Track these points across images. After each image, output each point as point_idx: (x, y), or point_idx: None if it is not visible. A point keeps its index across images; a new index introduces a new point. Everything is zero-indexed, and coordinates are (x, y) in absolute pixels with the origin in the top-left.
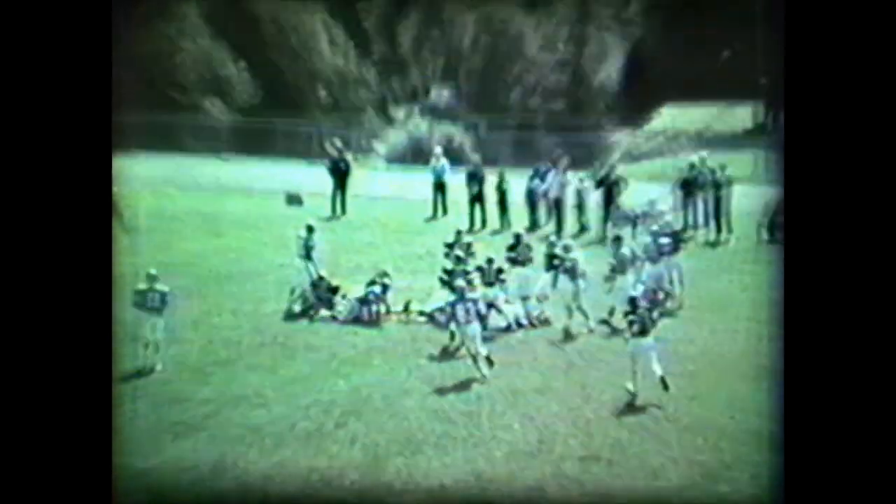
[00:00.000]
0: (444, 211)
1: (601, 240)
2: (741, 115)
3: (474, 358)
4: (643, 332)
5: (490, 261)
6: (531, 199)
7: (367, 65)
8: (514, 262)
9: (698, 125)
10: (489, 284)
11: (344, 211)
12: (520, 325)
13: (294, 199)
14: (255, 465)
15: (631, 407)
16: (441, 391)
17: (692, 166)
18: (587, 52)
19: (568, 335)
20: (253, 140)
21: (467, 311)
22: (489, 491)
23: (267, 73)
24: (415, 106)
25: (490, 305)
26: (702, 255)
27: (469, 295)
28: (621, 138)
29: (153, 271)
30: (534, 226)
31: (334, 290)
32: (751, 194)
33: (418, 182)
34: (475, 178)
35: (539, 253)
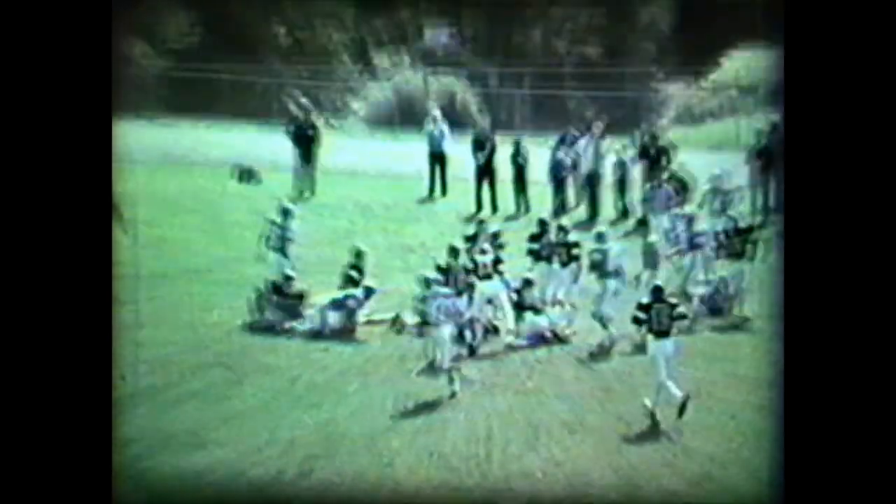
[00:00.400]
0: (444, 190)
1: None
2: None
3: (444, 372)
4: (666, 331)
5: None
6: (557, 174)
7: None
8: (538, 256)
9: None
10: (485, 277)
11: (312, 191)
12: (543, 339)
13: (247, 175)
14: None
15: (653, 427)
16: (438, 427)
17: (774, 128)
18: None
19: (602, 351)
20: (190, 95)
21: (438, 309)
22: None
23: (209, 4)
24: (404, 51)
25: (476, 301)
26: None
27: (443, 290)
28: (675, 93)
29: None
30: (560, 209)
31: (300, 297)
32: None
33: (409, 153)
34: (484, 148)
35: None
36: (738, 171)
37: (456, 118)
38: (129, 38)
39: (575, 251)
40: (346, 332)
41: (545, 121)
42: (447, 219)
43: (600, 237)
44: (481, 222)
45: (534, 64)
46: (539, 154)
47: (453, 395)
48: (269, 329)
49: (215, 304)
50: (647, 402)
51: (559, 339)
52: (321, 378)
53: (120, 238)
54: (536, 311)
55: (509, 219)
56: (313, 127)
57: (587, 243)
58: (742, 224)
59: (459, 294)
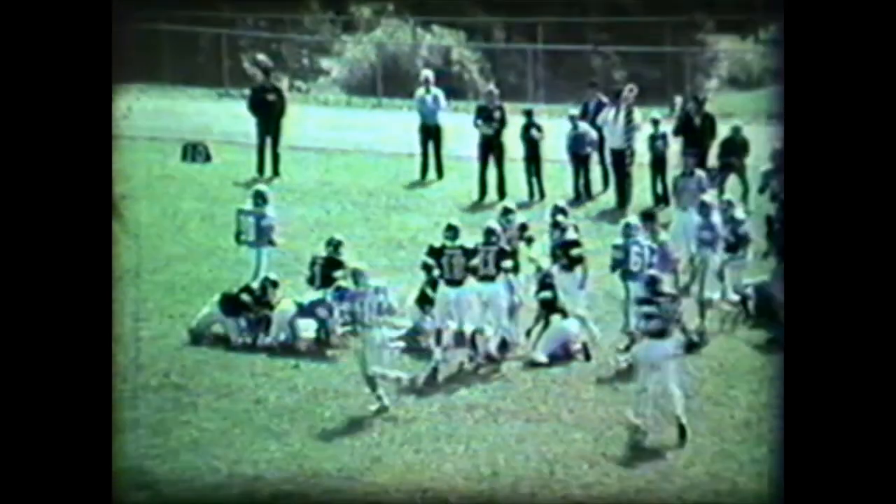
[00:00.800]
0: (439, 172)
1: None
2: None
3: (370, 380)
4: (662, 332)
5: (490, 233)
6: (577, 151)
7: None
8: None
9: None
10: (487, 278)
11: (276, 171)
12: (567, 353)
13: (195, 152)
14: None
15: (638, 439)
16: (433, 460)
17: None
18: None
19: (629, 368)
20: (118, 51)
21: (370, 307)
22: None
23: None
24: None
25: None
26: None
27: (373, 283)
28: (727, 48)
29: None
30: (582, 193)
31: (267, 303)
32: None
33: (396, 125)
34: (488, 119)
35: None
36: None
37: (453, 82)
38: None
39: (575, 251)
40: (319, 346)
41: (563, 86)
42: (443, 207)
43: (628, 229)
44: (507, 211)
45: (549, 13)
46: (556, 126)
47: (381, 410)
48: (225, 342)
49: (155, 312)
50: (632, 416)
51: (587, 354)
52: (290, 400)
53: None
54: (564, 314)
55: (520, 205)
56: (275, 91)
57: (612, 238)
58: None
59: (457, 284)
